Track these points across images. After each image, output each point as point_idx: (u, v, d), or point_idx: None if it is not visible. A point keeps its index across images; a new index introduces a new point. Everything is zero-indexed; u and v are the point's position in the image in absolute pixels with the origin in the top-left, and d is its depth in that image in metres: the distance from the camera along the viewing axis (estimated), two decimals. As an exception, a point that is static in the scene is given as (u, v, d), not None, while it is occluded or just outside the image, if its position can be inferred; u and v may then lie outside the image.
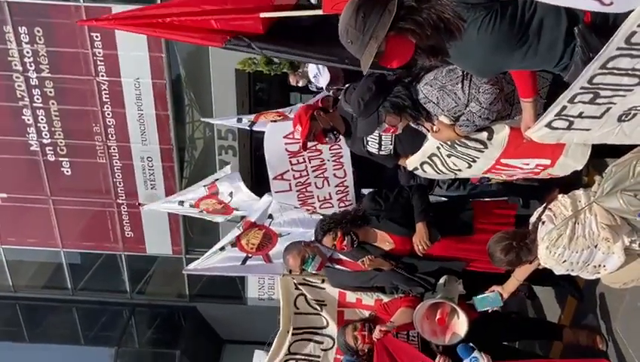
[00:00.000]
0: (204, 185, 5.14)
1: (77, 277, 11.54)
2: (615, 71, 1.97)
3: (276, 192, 4.49)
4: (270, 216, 4.71)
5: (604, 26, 2.08)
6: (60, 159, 10.12)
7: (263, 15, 3.32)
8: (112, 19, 3.63)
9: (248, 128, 5.52)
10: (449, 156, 3.21)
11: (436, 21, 2.08)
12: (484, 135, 3.02)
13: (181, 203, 5.27)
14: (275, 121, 5.22)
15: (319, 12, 3.25)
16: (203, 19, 3.38)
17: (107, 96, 9.56)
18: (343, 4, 3.12)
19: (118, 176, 10.29)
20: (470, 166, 3.20)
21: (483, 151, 3.08)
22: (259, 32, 3.38)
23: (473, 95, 2.91)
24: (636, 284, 2.98)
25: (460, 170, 3.31)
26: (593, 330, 3.90)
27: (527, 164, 3.11)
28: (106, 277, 11.55)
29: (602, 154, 3.52)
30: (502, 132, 2.99)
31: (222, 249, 4.80)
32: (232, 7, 3.39)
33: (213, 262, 4.84)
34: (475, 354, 3.32)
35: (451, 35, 2.13)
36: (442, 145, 3.18)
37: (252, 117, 5.49)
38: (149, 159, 10.14)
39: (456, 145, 3.11)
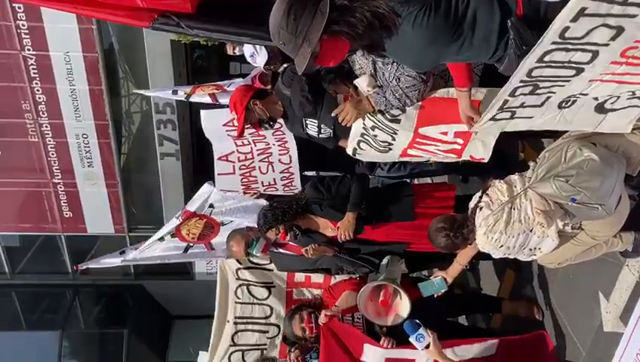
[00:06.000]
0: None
1: (15, 260, 11.14)
2: (552, 64, 1.98)
3: (219, 174, 4.34)
4: (211, 206, 4.60)
5: (536, 18, 2.08)
6: (-12, 140, 9.63)
7: (190, -10, 3.13)
8: None
9: (185, 100, 5.31)
10: (373, 128, 3.18)
11: (370, 18, 2.03)
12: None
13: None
14: (212, 95, 5.02)
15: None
16: (127, -4, 3.16)
17: (35, 71, 9.10)
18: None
19: (53, 154, 9.88)
20: (394, 138, 3.19)
21: (399, 121, 3.08)
22: (187, 11, 3.20)
23: (397, 76, 2.89)
24: (570, 263, 3.07)
25: (389, 145, 3.27)
26: (530, 301, 4.05)
27: (446, 134, 3.10)
28: (45, 259, 11.21)
29: (536, 134, 3.59)
30: None
31: (161, 239, 4.67)
32: (157, -18, 3.19)
33: (153, 251, 4.71)
34: (421, 330, 3.36)
35: (387, 31, 2.09)
36: (366, 117, 3.15)
37: (188, 89, 5.26)
38: (85, 136, 9.76)
39: (376, 115, 3.09)
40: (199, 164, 10.02)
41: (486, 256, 4.36)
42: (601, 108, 2.30)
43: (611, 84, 2.04)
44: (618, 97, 2.15)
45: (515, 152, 3.98)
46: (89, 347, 11.62)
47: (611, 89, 2.06)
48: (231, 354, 4.55)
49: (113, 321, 11.40)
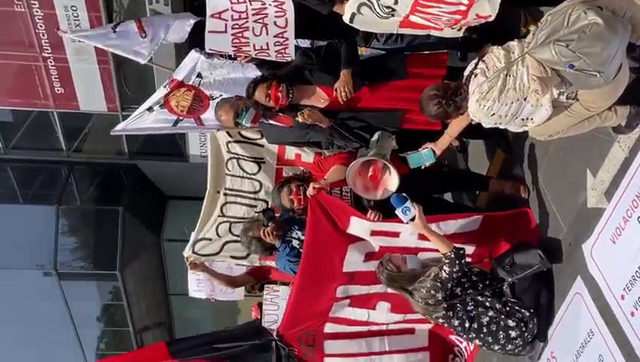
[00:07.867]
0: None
1: (8, 135, 11.07)
2: None
3: (210, 32, 4.10)
4: (199, 75, 4.45)
5: None
6: (-29, 7, 9.22)
7: None
8: None
9: None
10: None
11: None
12: None
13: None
14: None
15: None
16: None
17: None
18: None
19: (41, 27, 9.50)
20: (396, 2, 3.02)
21: None
22: None
23: None
24: (561, 136, 3.03)
25: (392, 11, 3.12)
26: (517, 180, 4.06)
27: None
28: (39, 135, 11.12)
29: (540, 2, 3.43)
30: None
31: (150, 109, 4.56)
32: None
33: (142, 122, 4.64)
34: (407, 203, 3.42)
35: None
36: None
37: None
38: (74, 8, 9.32)
39: None
40: (193, 45, 9.70)
41: (477, 135, 4.37)
42: None
43: None
44: None
45: (517, 26, 3.82)
46: (85, 222, 11.86)
47: None
48: (219, 224, 4.66)
49: (108, 199, 11.54)
